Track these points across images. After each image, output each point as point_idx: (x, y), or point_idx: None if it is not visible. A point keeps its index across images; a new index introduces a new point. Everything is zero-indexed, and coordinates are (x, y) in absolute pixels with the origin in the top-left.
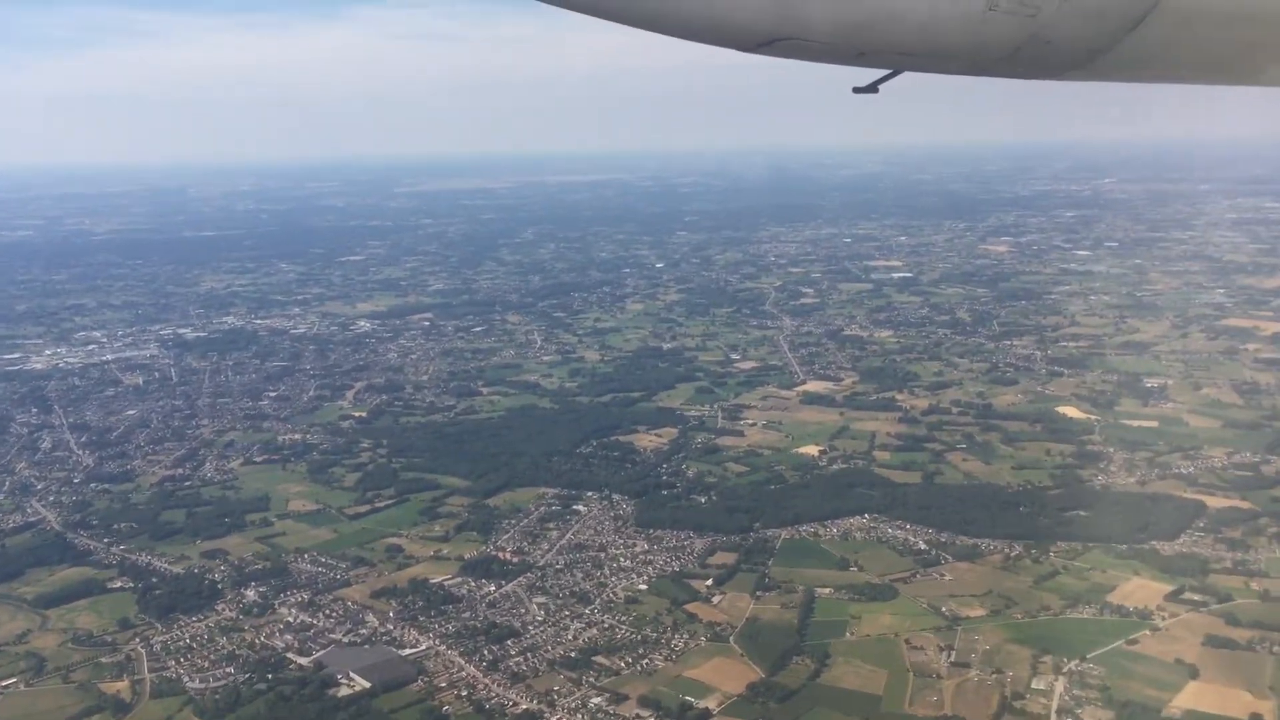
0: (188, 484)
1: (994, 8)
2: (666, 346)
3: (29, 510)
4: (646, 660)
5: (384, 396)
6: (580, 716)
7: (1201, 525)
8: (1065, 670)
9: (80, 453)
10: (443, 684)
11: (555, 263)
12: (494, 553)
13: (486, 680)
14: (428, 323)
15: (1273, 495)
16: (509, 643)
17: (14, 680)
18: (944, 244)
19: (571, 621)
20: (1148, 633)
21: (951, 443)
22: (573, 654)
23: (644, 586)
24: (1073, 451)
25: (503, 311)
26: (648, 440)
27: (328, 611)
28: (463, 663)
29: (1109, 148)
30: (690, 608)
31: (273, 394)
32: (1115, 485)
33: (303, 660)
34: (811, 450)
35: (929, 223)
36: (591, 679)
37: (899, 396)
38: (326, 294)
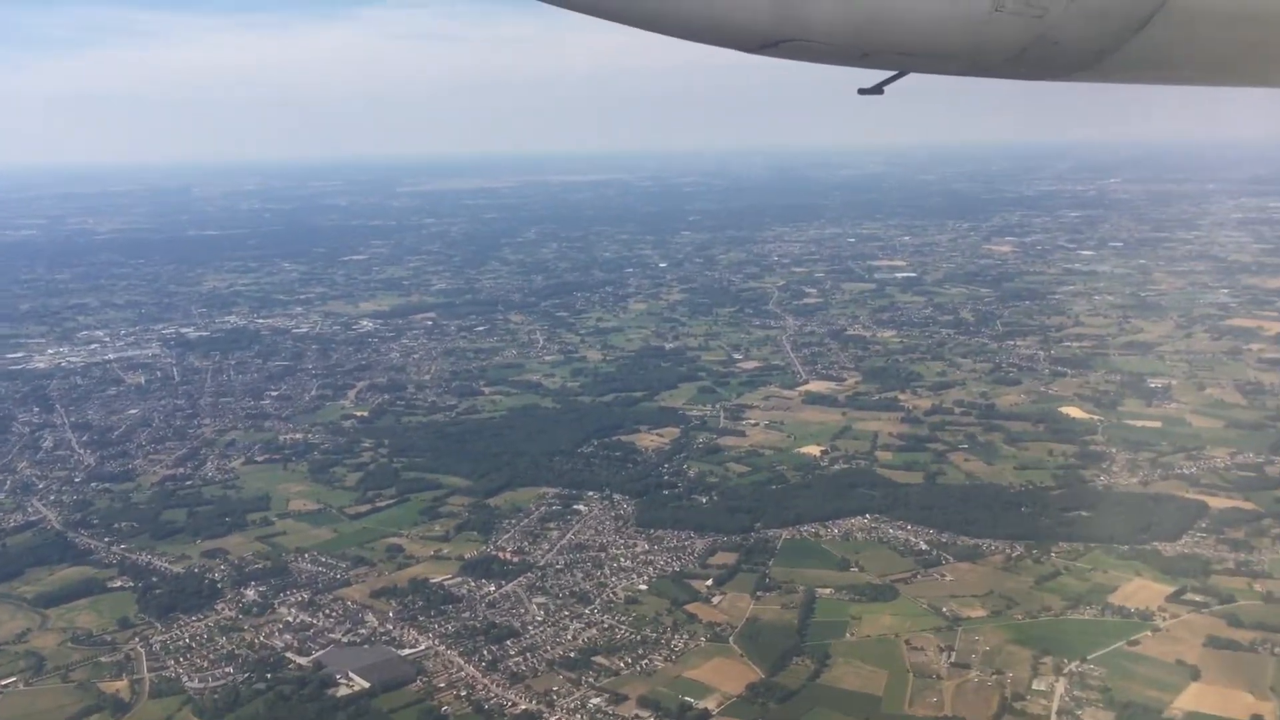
0: (189, 483)
1: (1000, 8)
2: (669, 346)
3: (30, 509)
4: (646, 660)
5: (386, 396)
6: (579, 717)
7: (1204, 526)
8: (1066, 671)
9: (81, 452)
10: (442, 684)
11: (558, 262)
12: (494, 553)
13: (486, 680)
14: (430, 322)
15: (1276, 496)
16: (508, 643)
17: (13, 679)
18: (948, 244)
19: (571, 621)
20: (1149, 634)
21: (954, 443)
22: (572, 654)
23: (644, 586)
24: (1075, 452)
25: (505, 311)
26: (649, 440)
27: (327, 611)
28: (462, 663)
29: (1114, 148)
30: (690, 608)
31: (274, 393)
32: (1117, 486)
33: (302, 660)
34: (813, 450)
35: (933, 222)
36: (591, 679)
37: (901, 396)
38: (329, 293)
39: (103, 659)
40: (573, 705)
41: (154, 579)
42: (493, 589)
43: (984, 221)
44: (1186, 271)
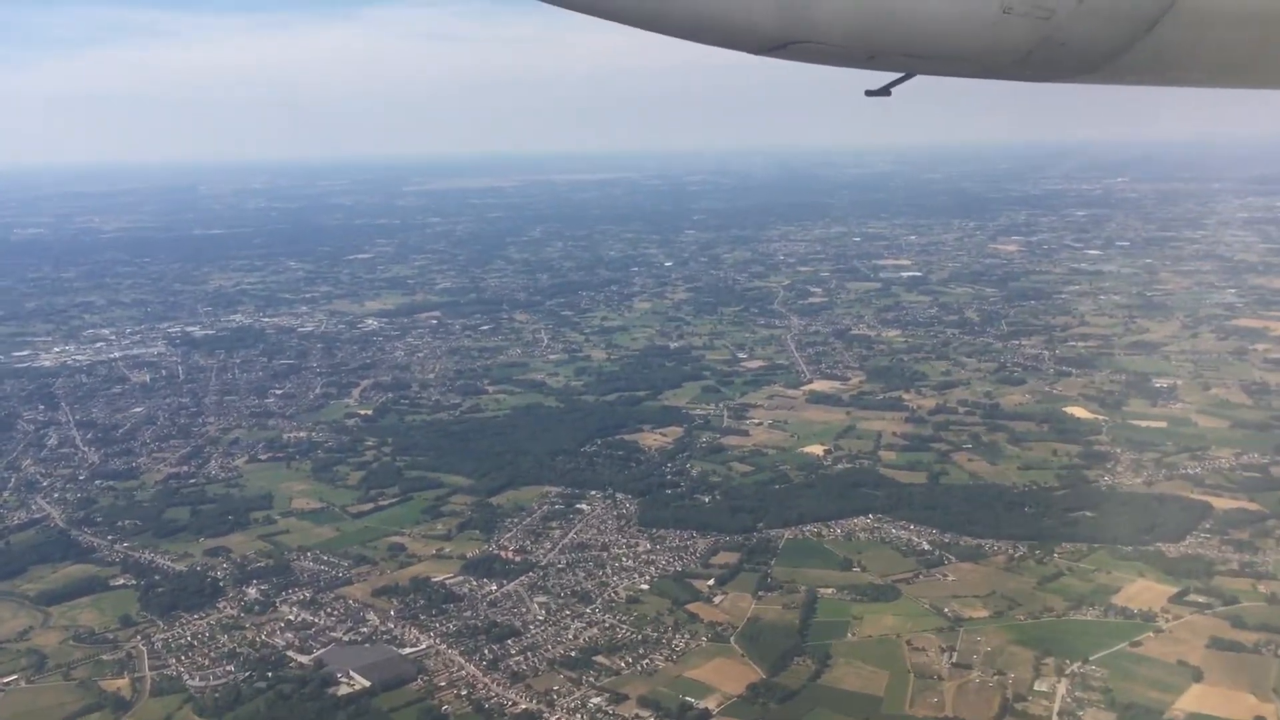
0: (192, 481)
1: (1008, 10)
2: (673, 345)
3: (34, 507)
4: (647, 660)
5: (390, 395)
6: (580, 716)
7: (1208, 527)
8: (1068, 672)
9: (86, 450)
10: (442, 683)
11: (563, 261)
12: (496, 552)
13: (486, 679)
14: (435, 321)
15: None
16: (509, 642)
17: (15, 677)
18: (953, 243)
19: (572, 621)
20: (1151, 635)
21: (958, 442)
22: (573, 653)
23: (646, 586)
24: (1080, 452)
25: (510, 310)
26: (652, 439)
27: (329, 610)
28: (463, 662)
29: (1120, 147)
30: (692, 607)
31: (279, 392)
32: (1122, 486)
33: (303, 658)
34: (816, 450)
35: (938, 222)
36: (591, 679)
37: (906, 396)
38: (334, 292)
39: (104, 657)
40: (573, 705)
41: (156, 577)
42: (494, 588)
43: (990, 221)
44: (1193, 271)
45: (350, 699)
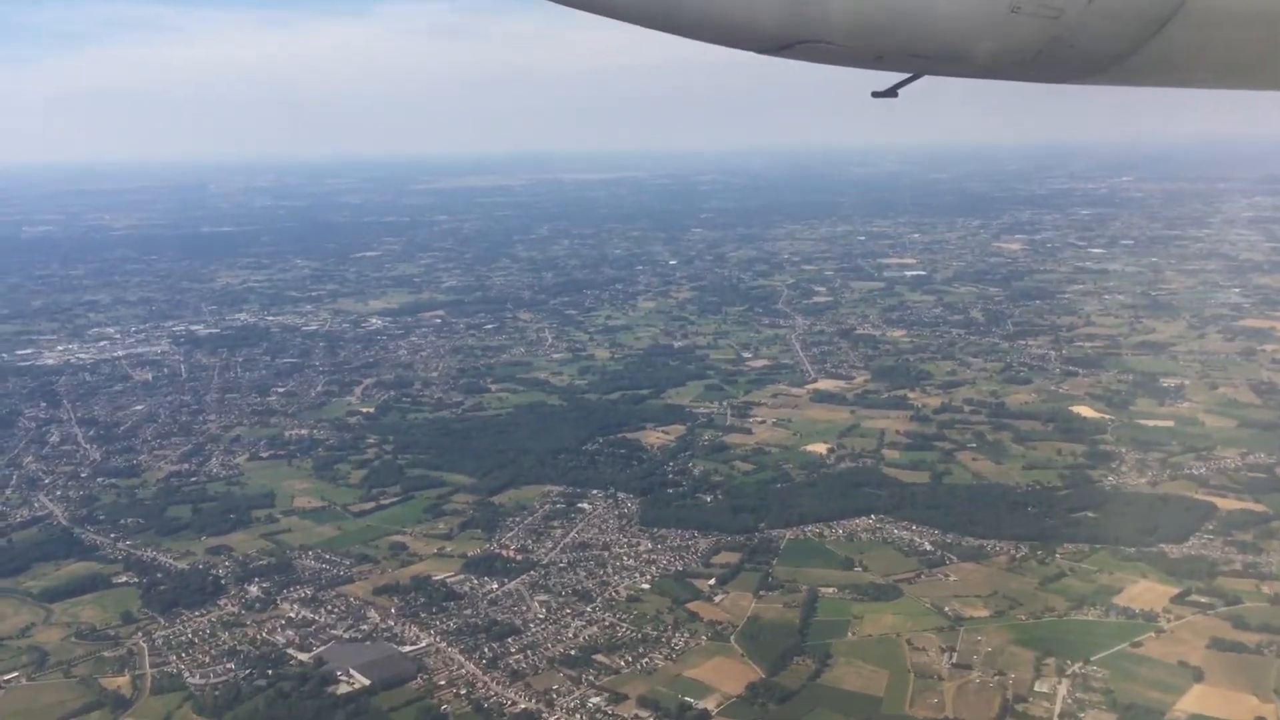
0: (194, 479)
1: (1016, 10)
2: (677, 344)
3: (36, 504)
4: (646, 659)
5: (392, 393)
6: (579, 716)
7: (1212, 527)
8: (1069, 672)
9: (88, 447)
10: (442, 681)
11: (569, 260)
12: (497, 550)
13: (486, 678)
14: (439, 320)
15: None
16: (509, 640)
17: (16, 674)
18: (958, 242)
19: (573, 620)
20: (1153, 635)
21: (962, 442)
22: (573, 652)
23: (646, 585)
24: (1085, 451)
25: (515, 308)
26: (655, 438)
27: (330, 608)
28: (462, 660)
29: (1127, 147)
30: (692, 607)
31: (281, 390)
32: (1126, 486)
33: (303, 656)
34: (820, 449)
35: (943, 221)
36: (591, 678)
37: (910, 395)
38: (340, 290)
39: (105, 654)
40: (572, 704)
41: (158, 575)
42: (495, 587)
43: (994, 219)
44: (1199, 270)
45: (349, 697)
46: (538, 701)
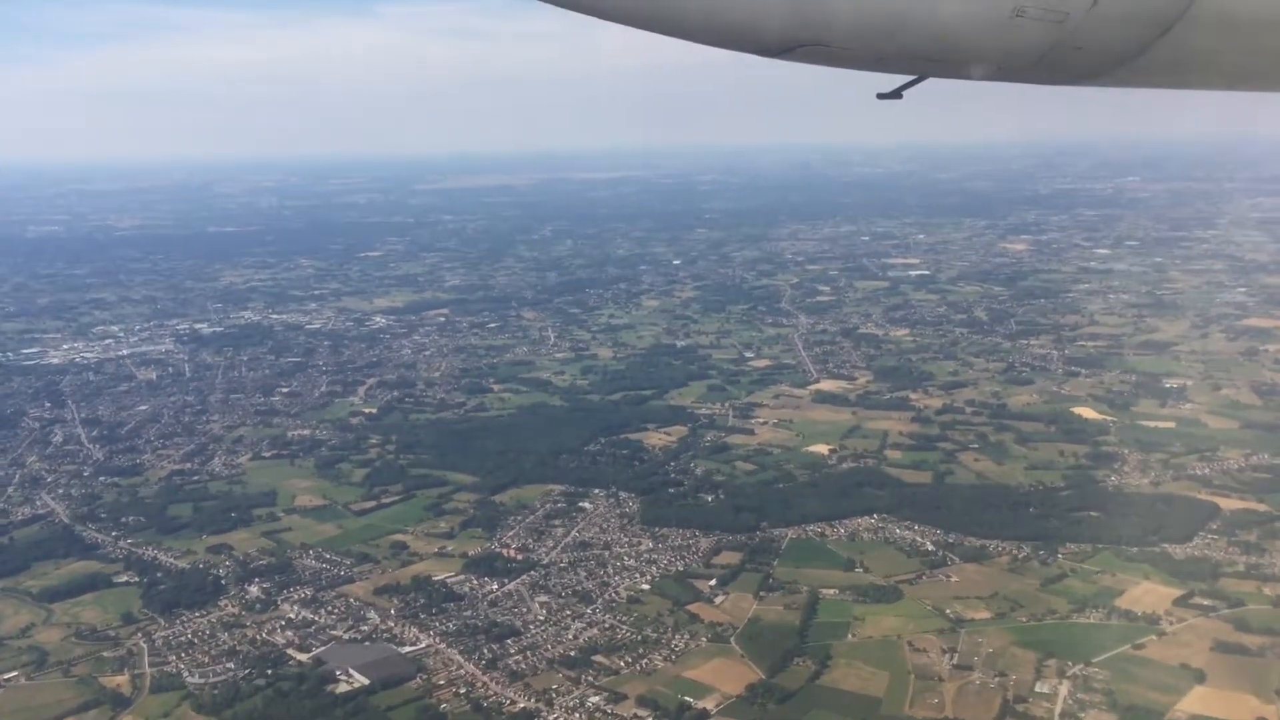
0: (196, 479)
1: (1020, 13)
2: (680, 344)
3: (38, 503)
4: (646, 660)
5: (395, 393)
6: (578, 716)
7: (1215, 528)
8: (1070, 674)
9: (91, 446)
10: (441, 682)
11: (572, 259)
12: (498, 550)
13: (485, 679)
14: (443, 319)
15: None
16: (509, 641)
17: (15, 674)
18: (963, 242)
19: (572, 620)
20: (1155, 637)
21: (964, 442)
22: (572, 653)
23: (647, 586)
24: (1087, 452)
25: (518, 308)
26: (657, 438)
27: (330, 608)
28: (462, 661)
29: (1132, 147)
30: (692, 607)
31: (284, 390)
32: (1128, 487)
33: (302, 656)
34: (821, 449)
35: (949, 220)
36: (590, 678)
37: (913, 396)
38: (344, 290)
39: (105, 654)
40: (571, 704)
41: (159, 574)
42: (495, 587)
43: (1000, 219)
44: (1204, 270)
45: (348, 697)
46: (536, 701)
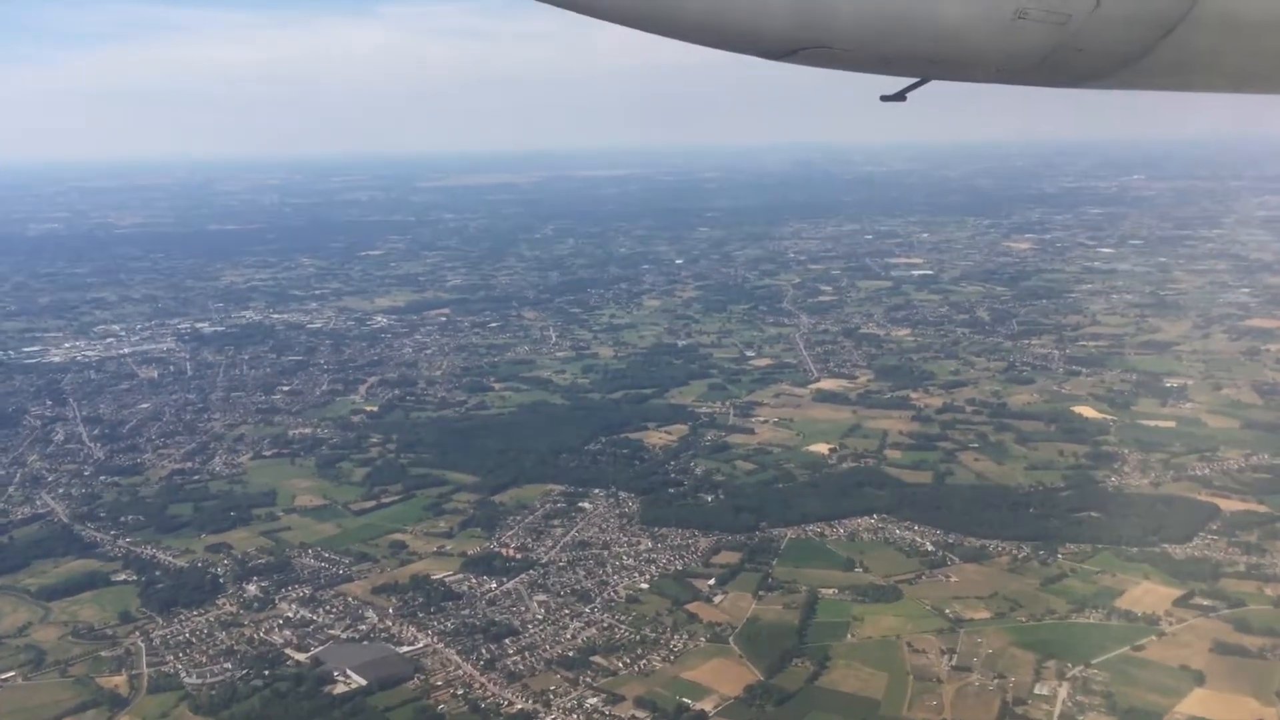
0: (196, 478)
1: (1023, 15)
2: (681, 343)
3: (38, 502)
4: (644, 661)
5: (396, 392)
6: (576, 717)
7: (1215, 528)
8: (1069, 675)
9: (92, 445)
10: (438, 682)
11: (574, 258)
12: (497, 549)
13: (483, 679)
14: (444, 318)
15: None
16: (507, 641)
17: (13, 674)
18: (966, 241)
19: (571, 620)
20: (1154, 638)
21: (964, 442)
22: (571, 653)
23: (646, 585)
24: (1087, 452)
25: (519, 307)
26: (657, 437)
27: (328, 607)
28: (459, 661)
29: (1137, 146)
30: (691, 607)
31: (286, 388)
32: (1128, 487)
33: (300, 656)
34: (822, 449)
35: (952, 219)
36: (588, 679)
37: (913, 395)
38: (345, 289)
39: (103, 653)
40: (569, 705)
41: (157, 573)
42: (494, 586)
43: (1004, 218)
44: (1207, 270)
45: (345, 697)
46: (534, 702)
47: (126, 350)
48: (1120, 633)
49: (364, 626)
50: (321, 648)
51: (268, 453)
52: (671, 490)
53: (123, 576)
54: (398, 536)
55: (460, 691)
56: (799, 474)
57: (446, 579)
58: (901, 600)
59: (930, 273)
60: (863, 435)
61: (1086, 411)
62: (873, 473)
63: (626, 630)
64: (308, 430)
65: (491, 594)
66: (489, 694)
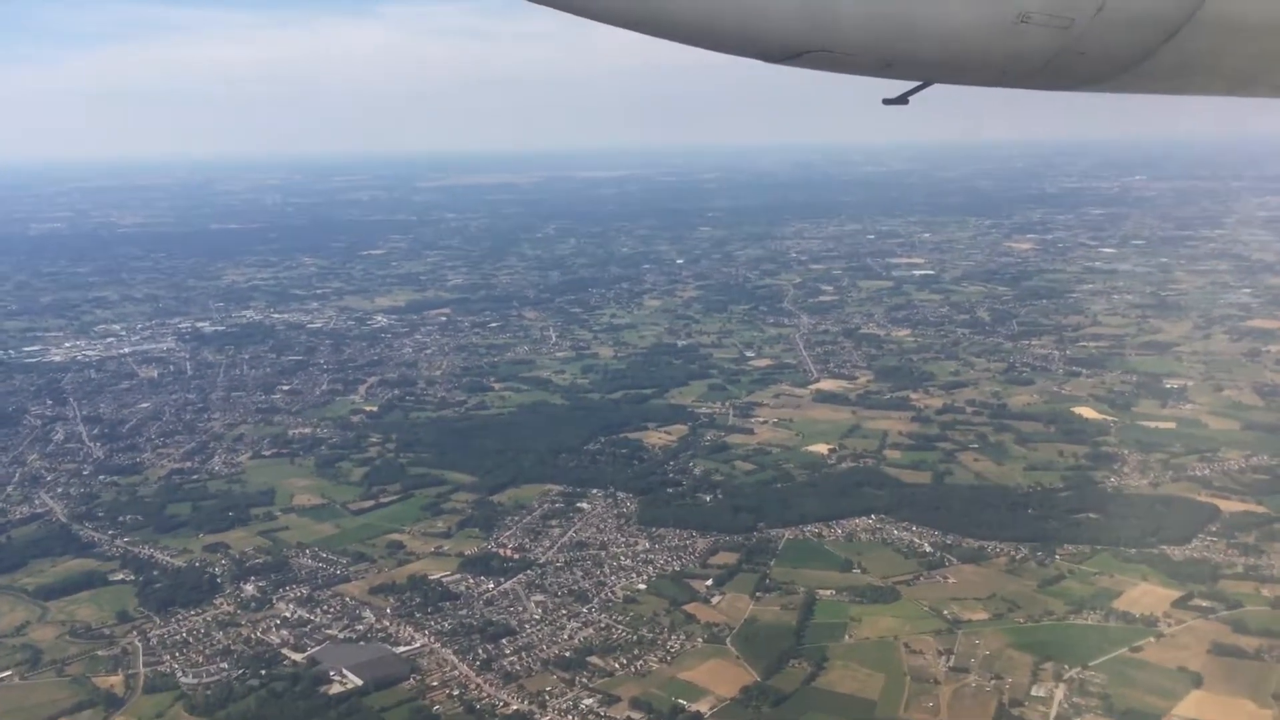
0: (195, 477)
1: (1025, 19)
2: (681, 343)
3: (37, 501)
4: (641, 661)
5: (395, 391)
6: (571, 717)
7: (1214, 530)
8: (1066, 677)
9: (91, 445)
10: (434, 683)
11: (575, 258)
12: (495, 549)
13: (479, 680)
14: (445, 318)
15: None
16: (504, 641)
17: (9, 673)
18: (968, 241)
19: (568, 621)
20: (1152, 640)
21: (964, 443)
22: (567, 654)
23: (643, 586)
24: (1087, 453)
25: (520, 307)
26: (656, 437)
27: (325, 607)
28: (456, 661)
29: (1139, 146)
30: (689, 608)
31: (285, 388)
32: (1127, 488)
33: (297, 656)
34: (821, 449)
35: (953, 219)
36: (585, 680)
37: (913, 396)
38: (345, 288)
39: (99, 653)
40: (565, 706)
41: (155, 572)
42: (491, 586)
43: (1005, 219)
44: (1209, 270)
45: (341, 698)
46: (530, 703)
47: (127, 350)
48: (1118, 634)
49: (361, 626)
50: (318, 647)
51: (267, 452)
52: (670, 490)
53: (120, 576)
54: (396, 536)
55: (456, 692)
56: (798, 474)
57: (444, 579)
58: (899, 601)
59: (931, 273)
60: (862, 436)
61: (1086, 412)
62: (872, 473)
63: (623, 631)
64: (307, 430)
65: (489, 594)
66: (485, 694)
